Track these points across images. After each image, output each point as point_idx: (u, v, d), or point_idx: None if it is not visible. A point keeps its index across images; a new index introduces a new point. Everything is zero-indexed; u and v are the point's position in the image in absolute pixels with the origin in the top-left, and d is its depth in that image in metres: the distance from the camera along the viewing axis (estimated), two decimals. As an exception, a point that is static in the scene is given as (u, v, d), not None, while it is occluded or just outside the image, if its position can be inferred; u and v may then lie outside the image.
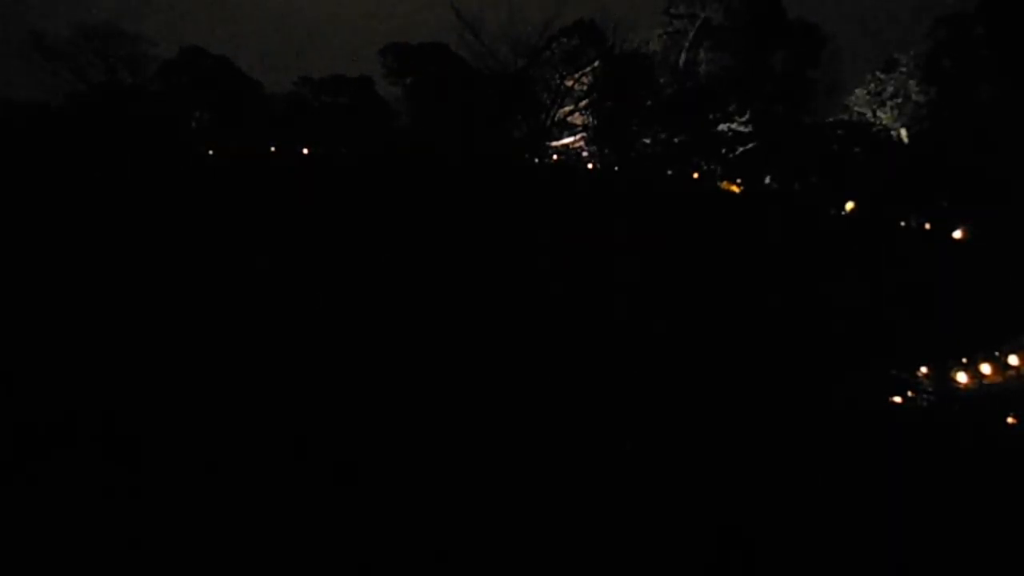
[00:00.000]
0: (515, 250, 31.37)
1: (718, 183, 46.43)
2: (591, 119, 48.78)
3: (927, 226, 40.37)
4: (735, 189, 46.53)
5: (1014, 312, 29.12)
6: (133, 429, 22.97)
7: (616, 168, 44.20)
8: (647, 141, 46.25)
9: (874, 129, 45.89)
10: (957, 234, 38.98)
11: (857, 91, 48.75)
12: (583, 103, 48.72)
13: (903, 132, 46.97)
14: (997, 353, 28.43)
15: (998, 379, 27.81)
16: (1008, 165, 38.07)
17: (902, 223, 40.79)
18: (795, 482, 22.35)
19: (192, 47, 48.47)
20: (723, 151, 46.50)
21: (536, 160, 47.43)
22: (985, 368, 28.04)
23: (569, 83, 48.12)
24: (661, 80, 49.56)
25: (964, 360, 28.41)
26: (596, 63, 47.92)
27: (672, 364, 25.68)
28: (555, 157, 49.28)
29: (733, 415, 24.75)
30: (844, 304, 29.50)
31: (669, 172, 40.57)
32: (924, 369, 28.30)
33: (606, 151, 47.57)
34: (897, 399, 27.02)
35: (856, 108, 48.34)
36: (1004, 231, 35.10)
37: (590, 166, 48.09)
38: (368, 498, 19.73)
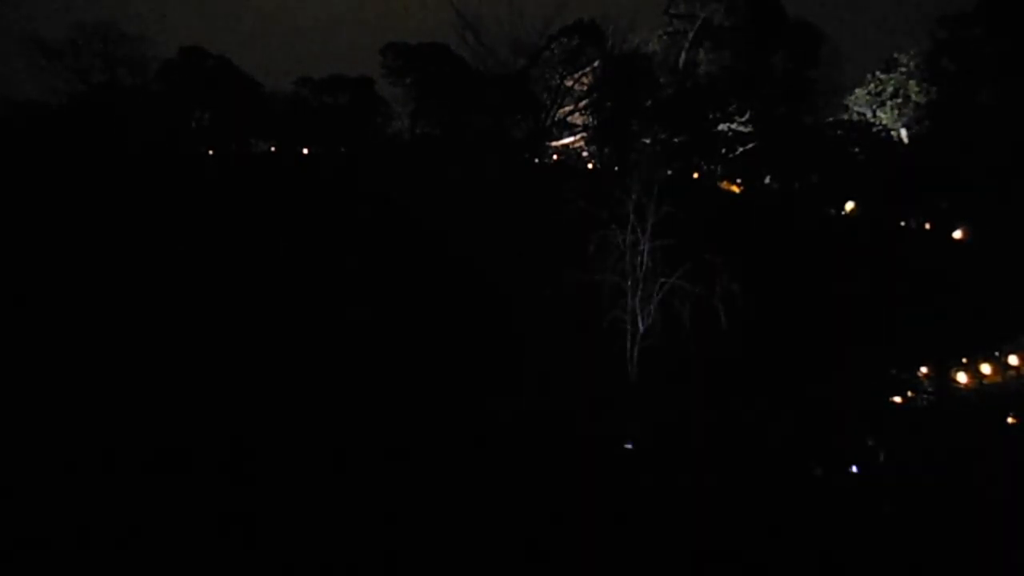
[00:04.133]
0: (513, 247, 31.37)
1: (718, 183, 46.40)
2: (591, 119, 48.74)
3: (927, 226, 40.34)
4: (735, 189, 46.50)
5: (1014, 312, 29.11)
6: (127, 424, 23.02)
7: (616, 168, 44.15)
8: (647, 141, 46.18)
9: (874, 129, 45.83)
10: (957, 234, 38.95)
11: (857, 91, 48.71)
12: (583, 103, 48.69)
13: (903, 132, 46.94)
14: (997, 353, 28.42)
15: (998, 379, 27.79)
16: (1008, 165, 38.01)
17: (902, 223, 40.75)
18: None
19: (192, 47, 48.40)
20: (723, 151, 46.42)
21: (536, 160, 47.39)
22: (985, 368, 28.04)
23: (569, 83, 48.10)
24: (661, 80, 49.50)
25: (964, 360, 28.40)
26: (596, 63, 47.88)
27: (673, 362, 25.69)
28: (555, 157, 49.26)
29: (731, 408, 24.79)
30: (844, 303, 29.46)
31: (669, 172, 40.49)
32: (924, 369, 28.31)
33: (606, 151, 47.51)
34: (897, 399, 27.03)
35: (856, 108, 48.30)
36: (1004, 231, 35.05)
37: (590, 166, 48.09)
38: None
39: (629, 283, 26.52)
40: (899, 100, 46.85)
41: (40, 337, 27.20)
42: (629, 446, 24.55)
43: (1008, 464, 21.45)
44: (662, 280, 26.28)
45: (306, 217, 36.18)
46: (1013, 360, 28.03)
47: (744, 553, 18.31)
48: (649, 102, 47.65)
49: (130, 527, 17.89)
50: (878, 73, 47.94)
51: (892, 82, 47.15)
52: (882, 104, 47.37)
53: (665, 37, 50.69)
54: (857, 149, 43.96)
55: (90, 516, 18.30)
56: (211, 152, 48.01)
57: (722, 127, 46.70)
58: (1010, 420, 25.16)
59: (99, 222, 34.23)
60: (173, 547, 17.18)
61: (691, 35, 49.76)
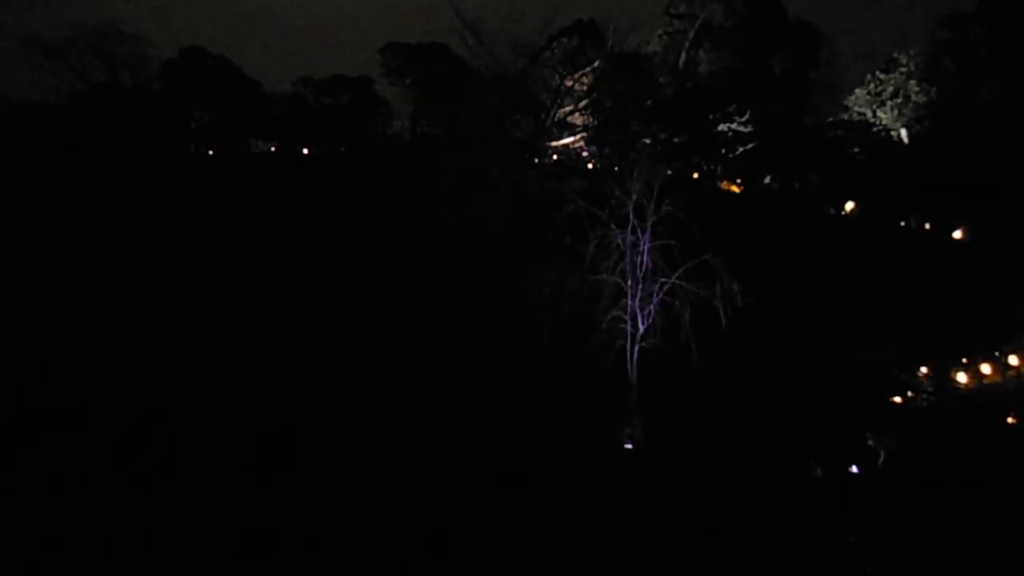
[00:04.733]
0: (513, 247, 31.35)
1: (718, 183, 46.35)
2: (591, 119, 48.68)
3: (927, 226, 40.29)
4: (735, 189, 46.47)
5: (1014, 312, 29.08)
6: (130, 423, 23.03)
7: (616, 168, 44.10)
8: (647, 141, 46.13)
9: (874, 129, 45.79)
10: (957, 234, 38.90)
11: (857, 91, 48.68)
12: (583, 103, 48.63)
13: (903, 132, 46.91)
14: (997, 353, 28.40)
15: (998, 379, 27.77)
16: (1008, 165, 37.95)
17: (902, 223, 40.69)
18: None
19: (192, 47, 48.39)
20: (723, 151, 46.38)
21: (536, 160, 47.31)
22: (985, 368, 28.02)
23: (569, 83, 48.03)
24: (661, 80, 49.45)
25: (964, 360, 28.37)
26: (596, 63, 47.83)
27: (673, 362, 25.69)
28: (555, 157, 49.19)
29: (731, 408, 24.80)
30: (843, 303, 29.42)
31: (669, 172, 40.38)
32: (924, 369, 28.28)
33: (606, 151, 47.46)
34: (897, 399, 27.01)
35: (856, 108, 48.26)
36: (1004, 231, 35.00)
37: (590, 166, 48.03)
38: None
39: (629, 283, 26.48)
40: (899, 100, 46.81)
41: (41, 335, 27.22)
42: (629, 446, 24.54)
43: (1008, 464, 21.48)
44: (662, 280, 26.24)
45: (305, 217, 36.14)
46: (1013, 360, 28.01)
47: (744, 551, 18.33)
48: (649, 102, 47.60)
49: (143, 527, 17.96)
50: (878, 73, 47.90)
51: (892, 82, 47.12)
52: (882, 104, 47.33)
53: (665, 37, 50.67)
54: (857, 149, 43.92)
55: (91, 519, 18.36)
56: (211, 152, 47.97)
57: (722, 127, 46.65)
58: (1010, 420, 25.15)
59: (100, 222, 34.20)
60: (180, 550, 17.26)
61: (691, 35, 49.74)
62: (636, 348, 26.16)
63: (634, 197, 26.73)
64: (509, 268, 30.12)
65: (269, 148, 49.98)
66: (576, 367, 25.74)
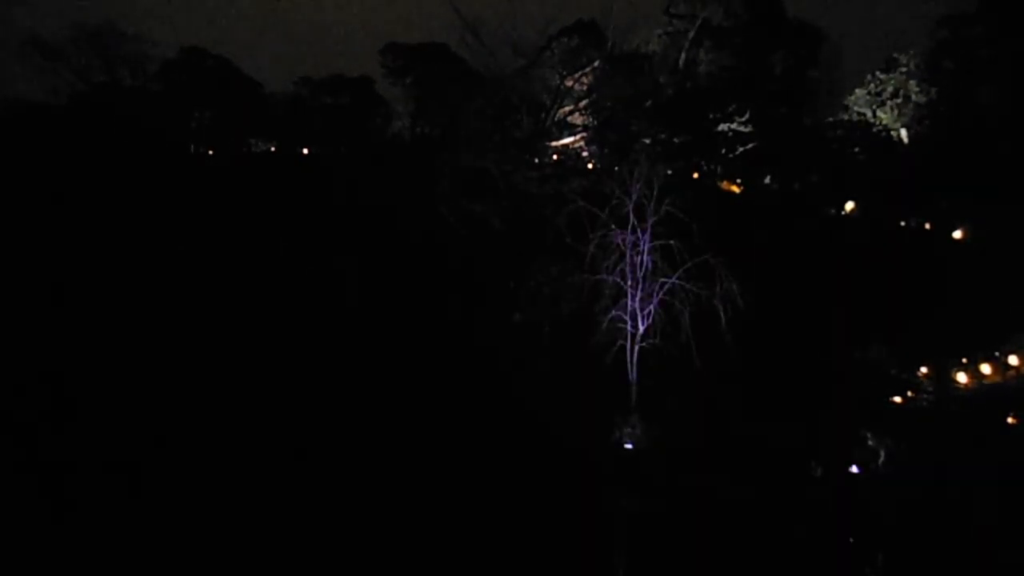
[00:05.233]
0: (513, 247, 31.38)
1: (718, 183, 46.31)
2: (591, 119, 48.67)
3: (927, 226, 40.27)
4: (735, 189, 46.44)
5: (1014, 312, 29.09)
6: (131, 422, 23.09)
7: (616, 168, 44.07)
8: (647, 141, 46.10)
9: (874, 129, 45.76)
10: (957, 234, 38.90)
11: (857, 91, 48.63)
12: (583, 103, 48.63)
13: (903, 132, 46.89)
14: (997, 353, 28.40)
15: (998, 379, 27.78)
16: (1008, 165, 37.94)
17: (902, 223, 40.68)
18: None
19: (192, 47, 48.33)
20: (723, 151, 46.36)
21: (536, 160, 47.33)
22: (985, 368, 28.02)
23: (569, 83, 48.03)
24: (661, 80, 49.43)
25: (964, 360, 28.38)
26: (596, 63, 47.83)
27: (672, 362, 25.73)
28: (555, 157, 49.17)
29: (730, 408, 24.84)
30: (843, 303, 29.43)
31: (669, 172, 40.34)
32: (924, 369, 28.29)
33: (606, 151, 47.44)
34: (897, 399, 27.02)
35: (856, 108, 48.21)
36: (1004, 231, 35.00)
37: (590, 166, 48.01)
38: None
39: (629, 283, 26.51)
40: (899, 100, 46.75)
41: (42, 335, 27.26)
42: (629, 446, 24.58)
43: (1008, 464, 21.50)
44: (662, 280, 26.26)
45: (306, 217, 36.16)
46: (1013, 360, 28.01)
47: (744, 552, 18.36)
48: (649, 102, 47.57)
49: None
50: (878, 73, 47.83)
51: (892, 82, 47.07)
52: (882, 104, 47.27)
53: (665, 37, 50.58)
54: (857, 149, 43.89)
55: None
56: (211, 152, 47.96)
57: (722, 127, 46.58)
58: (1010, 420, 25.16)
59: (100, 222, 34.22)
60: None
61: (691, 35, 49.71)
62: (636, 348, 26.19)
63: (634, 197, 26.77)
64: (509, 268, 30.15)
65: (269, 148, 49.94)
66: (576, 367, 25.78)
